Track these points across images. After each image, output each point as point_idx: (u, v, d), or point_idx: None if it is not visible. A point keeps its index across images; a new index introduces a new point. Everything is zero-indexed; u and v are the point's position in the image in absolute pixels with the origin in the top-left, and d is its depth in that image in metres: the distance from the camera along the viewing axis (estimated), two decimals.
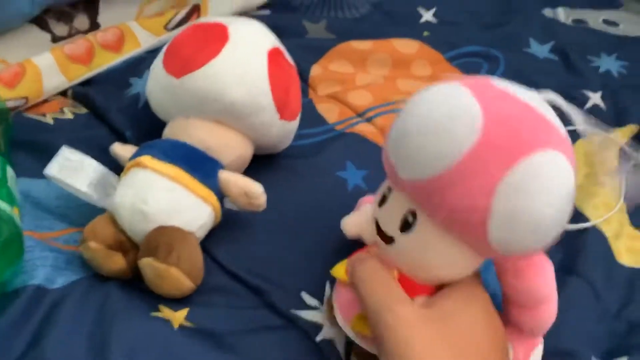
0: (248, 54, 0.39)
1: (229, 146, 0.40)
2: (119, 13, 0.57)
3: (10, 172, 0.36)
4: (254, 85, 0.38)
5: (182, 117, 0.40)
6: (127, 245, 0.36)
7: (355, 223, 0.36)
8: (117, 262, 0.35)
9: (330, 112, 0.53)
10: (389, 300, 0.29)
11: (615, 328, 0.38)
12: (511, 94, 0.28)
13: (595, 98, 0.58)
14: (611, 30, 0.69)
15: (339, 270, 0.34)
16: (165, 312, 0.34)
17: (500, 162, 0.25)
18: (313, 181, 0.45)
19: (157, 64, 0.41)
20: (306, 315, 0.36)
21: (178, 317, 0.34)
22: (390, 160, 0.29)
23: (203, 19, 0.43)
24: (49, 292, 0.34)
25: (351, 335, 0.33)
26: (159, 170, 0.36)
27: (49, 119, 0.48)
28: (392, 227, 0.30)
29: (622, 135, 0.53)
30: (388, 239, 0.30)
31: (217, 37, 0.39)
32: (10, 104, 0.47)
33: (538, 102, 0.28)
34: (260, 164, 0.44)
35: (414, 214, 0.29)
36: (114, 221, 0.36)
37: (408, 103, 0.29)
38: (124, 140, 0.46)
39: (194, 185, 0.36)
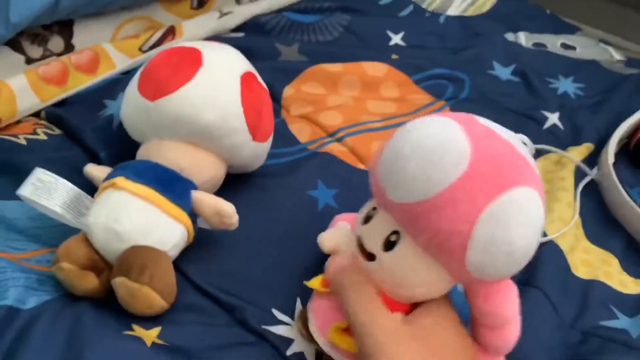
0: (221, 78, 0.40)
1: (202, 167, 0.41)
2: (93, 35, 0.58)
3: None
4: (226, 109, 0.40)
5: (156, 138, 0.41)
6: (100, 264, 0.36)
7: (331, 237, 0.37)
8: (90, 282, 0.35)
9: (302, 132, 0.55)
10: (376, 313, 0.31)
11: (570, 338, 0.40)
12: (495, 132, 0.30)
13: (553, 118, 0.61)
14: (569, 53, 0.73)
15: (315, 282, 0.35)
16: (138, 330, 0.35)
17: (484, 193, 0.28)
18: (285, 200, 0.46)
19: (132, 87, 0.42)
20: (277, 330, 0.37)
21: (150, 335, 0.34)
22: (379, 182, 0.31)
23: (177, 43, 0.44)
24: (21, 312, 0.34)
25: (324, 345, 0.34)
26: (132, 191, 0.37)
27: (22, 140, 0.48)
28: (374, 245, 0.31)
29: (577, 154, 0.56)
30: (370, 256, 0.32)
31: (191, 61, 0.40)
32: None
33: (516, 141, 0.31)
34: (233, 183, 0.45)
35: (397, 234, 0.31)
36: (87, 241, 0.37)
37: (400, 131, 0.31)
38: (99, 161, 0.47)
39: (166, 205, 0.37)
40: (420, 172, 0.28)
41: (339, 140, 0.54)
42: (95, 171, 0.42)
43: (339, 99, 0.59)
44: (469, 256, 0.28)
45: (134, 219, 0.36)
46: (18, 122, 0.51)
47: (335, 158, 0.51)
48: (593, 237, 0.48)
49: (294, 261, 0.42)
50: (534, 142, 0.56)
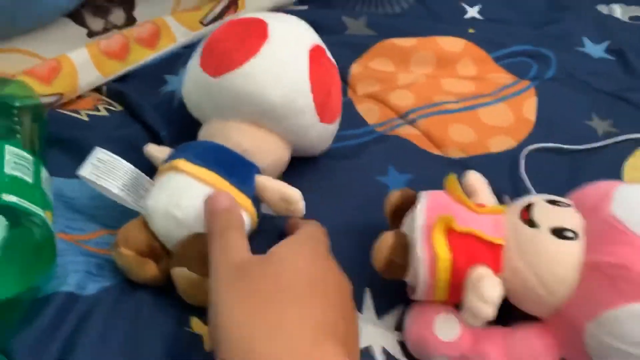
0: (288, 52, 0.37)
1: (266, 149, 0.38)
2: (155, 7, 0.56)
3: (44, 174, 0.35)
4: (294, 87, 0.37)
5: (219, 118, 0.38)
6: (159, 251, 0.34)
7: (481, 179, 0.38)
8: (149, 270, 0.34)
9: (370, 113, 0.51)
10: (217, 254, 0.28)
11: None
12: None
13: None
14: None
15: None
16: (197, 325, 0.33)
17: None
18: (352, 186, 0.43)
19: (194, 62, 0.39)
20: None
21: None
22: (611, 196, 0.32)
23: (241, 15, 0.41)
24: (81, 298, 0.32)
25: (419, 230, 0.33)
26: (194, 175, 0.34)
27: (83, 116, 0.47)
28: (546, 222, 0.31)
29: None
30: (531, 222, 0.32)
31: (256, 34, 0.37)
32: (45, 100, 0.46)
33: None
34: (298, 167, 0.42)
35: (574, 234, 0.31)
36: (146, 226, 0.35)
37: None
38: (159, 139, 0.45)
39: (229, 190, 0.35)
40: None
41: (412, 122, 0.49)
42: (155, 151, 0.39)
43: (411, 76, 0.55)
44: (615, 311, 0.28)
45: (195, 204, 0.34)
46: (79, 97, 0.50)
47: (408, 142, 0.47)
48: None
49: (363, 252, 0.38)
50: (634, 129, 0.51)
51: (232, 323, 0.25)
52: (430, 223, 0.32)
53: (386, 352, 0.34)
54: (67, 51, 0.49)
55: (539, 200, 0.33)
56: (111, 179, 0.36)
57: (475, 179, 0.37)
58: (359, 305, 0.36)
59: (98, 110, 0.49)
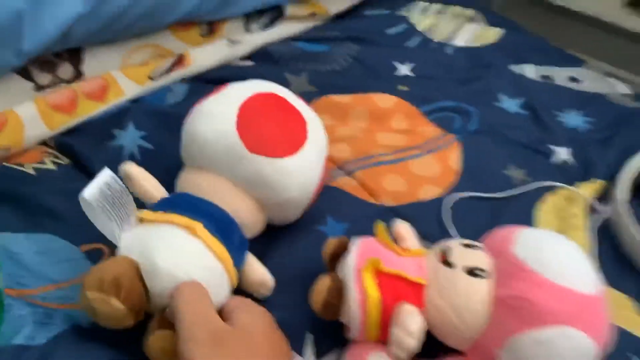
0: (316, 160, 0.42)
1: (256, 222, 0.41)
2: (102, 62, 0.58)
3: None
4: (308, 189, 0.42)
5: (215, 174, 0.40)
6: (146, 306, 0.34)
7: (407, 228, 0.42)
8: (127, 322, 0.33)
9: None
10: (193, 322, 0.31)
11: None
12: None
13: (562, 153, 0.61)
14: (576, 86, 0.74)
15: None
16: None
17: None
18: (294, 235, 0.46)
19: (224, 116, 0.40)
20: None
21: None
22: (513, 238, 0.37)
23: (282, 93, 0.43)
24: (31, 349, 0.33)
25: (350, 272, 0.36)
26: (211, 247, 0.35)
27: (29, 169, 0.48)
28: (460, 263, 0.36)
29: (588, 190, 0.56)
30: (447, 263, 0.36)
31: (298, 130, 0.41)
32: None
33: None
34: None
35: (483, 272, 0.35)
36: (139, 276, 0.33)
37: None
38: None
39: (231, 268, 0.37)
40: (564, 263, 0.34)
41: (349, 174, 0.53)
42: (142, 179, 0.39)
43: (348, 130, 0.59)
44: (520, 338, 0.33)
45: (204, 277, 0.34)
46: (26, 150, 0.51)
47: (345, 192, 0.51)
48: (609, 278, 0.47)
49: (306, 298, 0.41)
50: (544, 177, 0.57)
51: None
52: (361, 266, 0.36)
53: None
54: (14, 105, 0.50)
55: (455, 245, 0.38)
56: (113, 212, 0.34)
57: (402, 227, 0.42)
58: (300, 347, 0.38)
59: (45, 163, 0.49)
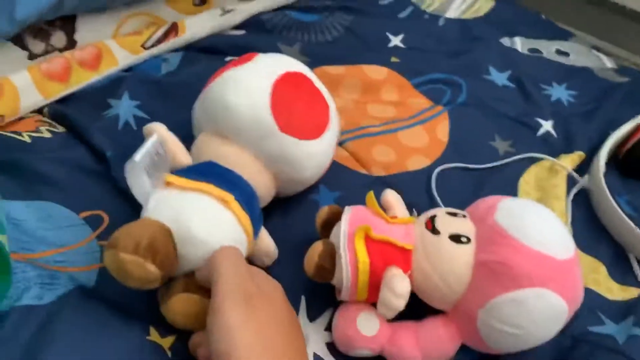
0: (333, 145, 0.46)
1: (267, 195, 0.43)
2: (96, 31, 0.58)
3: None
4: (321, 172, 0.46)
5: (240, 146, 0.41)
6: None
7: (396, 197, 0.44)
8: (152, 282, 0.33)
9: None
10: (228, 283, 0.32)
11: (561, 343, 0.42)
12: None
13: (547, 125, 0.62)
14: (562, 60, 0.75)
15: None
16: (154, 335, 0.36)
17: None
18: (288, 204, 0.47)
19: (259, 91, 0.40)
20: None
21: (165, 343, 0.36)
22: (495, 207, 0.39)
23: (309, 74, 0.45)
24: (38, 308, 0.34)
25: (342, 238, 0.38)
26: (241, 221, 0.37)
27: (25, 137, 0.49)
28: (445, 230, 0.38)
29: (569, 162, 0.58)
30: (434, 230, 0.38)
31: (323, 116, 0.44)
32: None
33: None
34: None
35: (468, 240, 0.37)
36: (172, 240, 0.34)
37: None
38: (105, 160, 0.47)
39: (251, 241, 0.39)
40: (542, 230, 0.36)
41: (341, 144, 0.55)
42: (172, 143, 0.40)
43: (340, 101, 0.60)
44: (497, 300, 0.35)
45: (227, 242, 0.35)
46: (20, 118, 0.51)
47: (337, 163, 0.52)
48: (582, 244, 0.50)
49: (299, 263, 0.43)
50: (528, 148, 0.59)
51: (243, 342, 0.30)
52: (352, 232, 0.38)
53: (316, 356, 0.39)
54: (8, 73, 0.50)
55: (440, 213, 0.40)
56: (154, 177, 0.35)
57: (391, 196, 0.43)
58: (295, 310, 0.40)
59: (40, 131, 0.50)
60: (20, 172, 0.44)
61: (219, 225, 0.36)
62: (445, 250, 0.37)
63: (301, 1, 0.74)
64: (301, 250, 0.42)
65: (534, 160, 0.58)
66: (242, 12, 0.68)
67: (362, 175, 0.52)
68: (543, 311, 0.35)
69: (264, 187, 0.42)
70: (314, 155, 0.43)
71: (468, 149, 0.58)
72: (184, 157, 0.40)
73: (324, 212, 0.42)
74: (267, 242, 0.42)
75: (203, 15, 0.65)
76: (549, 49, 0.77)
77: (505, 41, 0.75)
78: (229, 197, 0.37)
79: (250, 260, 0.42)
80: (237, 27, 0.68)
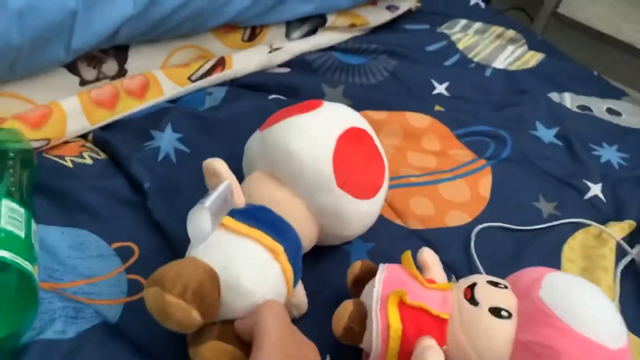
0: (382, 204, 0.46)
1: (309, 246, 0.43)
2: (146, 60, 0.59)
3: (34, 226, 0.37)
4: (365, 230, 0.46)
5: (294, 194, 0.41)
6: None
7: (433, 256, 0.42)
8: (194, 325, 0.32)
9: None
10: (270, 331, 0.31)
11: None
12: None
13: (595, 189, 0.60)
14: (614, 119, 0.72)
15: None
16: None
17: None
18: (319, 253, 0.46)
19: (326, 143, 0.40)
20: None
21: None
22: (541, 282, 0.36)
23: (370, 130, 0.45)
24: (61, 343, 0.34)
25: (375, 302, 0.36)
26: (285, 273, 0.36)
27: (68, 162, 0.49)
28: (485, 301, 0.35)
29: (619, 230, 0.55)
30: (472, 302, 0.36)
31: (379, 176, 0.43)
32: (32, 145, 0.48)
33: None
34: None
35: (509, 314, 0.35)
36: (218, 286, 0.33)
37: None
38: (141, 191, 0.47)
39: (290, 294, 0.38)
40: (592, 315, 0.33)
41: None
42: (235, 188, 0.38)
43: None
44: None
45: (270, 294, 0.35)
46: (65, 142, 0.52)
47: None
48: (631, 323, 0.47)
49: (327, 319, 0.41)
50: (574, 212, 0.56)
51: None
52: (385, 295, 0.36)
53: None
54: (59, 98, 0.52)
55: (481, 281, 0.38)
56: (215, 219, 0.35)
57: (428, 256, 0.41)
58: None
59: (82, 157, 0.51)
60: (60, 197, 0.45)
61: (266, 277, 0.35)
62: (484, 324, 0.35)
63: (347, 42, 0.74)
64: (329, 303, 0.40)
65: (580, 226, 0.55)
66: (289, 51, 0.68)
67: (397, 227, 0.51)
68: None
69: (308, 238, 0.41)
70: (365, 214, 0.43)
71: (510, 207, 0.55)
72: (239, 199, 0.39)
73: (356, 267, 0.41)
74: (300, 295, 0.41)
75: (250, 51, 0.66)
76: (599, 107, 0.74)
77: (554, 96, 0.73)
78: (279, 248, 0.36)
79: None
80: (282, 65, 0.68)
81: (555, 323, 0.33)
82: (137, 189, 0.48)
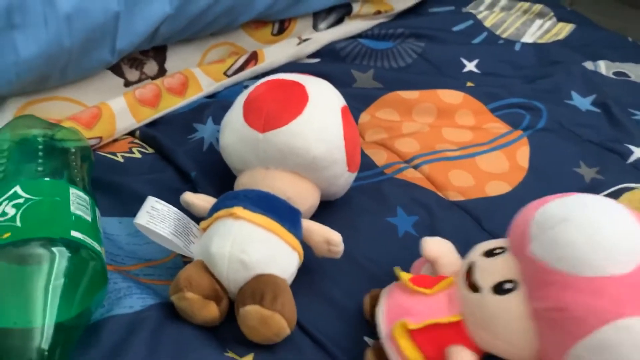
0: (327, 113, 0.43)
1: (304, 196, 0.42)
2: (183, 59, 0.62)
3: (97, 212, 0.40)
4: (332, 142, 0.42)
5: (261, 167, 0.42)
6: (221, 293, 0.37)
7: (437, 247, 0.37)
8: (211, 311, 0.36)
9: (378, 156, 0.55)
10: None
11: None
12: None
13: (638, 152, 0.59)
14: None
15: (404, 275, 0.35)
16: (232, 354, 0.36)
17: (633, 304, 0.28)
18: (365, 227, 0.47)
19: (234, 117, 0.43)
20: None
21: None
22: (528, 231, 0.31)
23: (276, 76, 0.46)
24: (129, 316, 0.36)
25: (385, 340, 0.34)
26: (254, 221, 0.38)
27: (119, 158, 0.52)
28: (485, 281, 0.32)
29: None
30: (474, 288, 0.32)
31: (298, 95, 0.42)
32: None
33: None
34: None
35: (513, 284, 0.31)
36: (207, 270, 0.37)
37: (577, 200, 0.32)
38: (190, 180, 0.50)
39: (285, 235, 0.38)
40: (586, 250, 0.29)
41: (416, 167, 0.54)
42: (196, 200, 0.42)
43: (414, 125, 0.60)
44: (576, 350, 0.28)
45: (260, 249, 0.37)
46: (115, 140, 0.55)
47: (414, 184, 0.52)
48: None
49: (378, 287, 0.42)
50: (618, 176, 0.55)
51: None
52: (391, 332, 0.34)
53: None
54: (107, 99, 0.55)
55: (477, 257, 0.34)
56: (165, 227, 0.38)
57: (432, 247, 0.37)
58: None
59: (132, 152, 0.54)
60: (115, 190, 0.48)
61: (233, 235, 0.37)
62: (492, 311, 0.31)
63: (373, 29, 0.75)
64: (376, 278, 0.42)
65: (623, 190, 0.54)
66: (318, 41, 0.70)
67: (439, 199, 0.51)
68: (635, 342, 0.28)
69: (295, 192, 0.42)
70: (304, 132, 0.41)
71: (551, 175, 0.55)
72: (209, 205, 0.41)
73: (366, 302, 0.39)
74: (321, 231, 0.40)
75: (281, 44, 0.68)
76: (637, 72, 0.73)
77: (588, 65, 0.72)
78: (235, 209, 0.38)
79: (322, 260, 0.41)
80: (312, 56, 0.70)
81: (554, 278, 0.29)
82: (185, 179, 0.50)
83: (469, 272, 0.33)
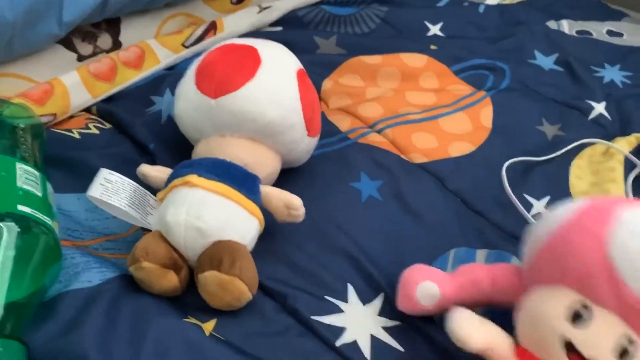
0: (281, 76, 0.42)
1: (263, 162, 0.42)
2: (139, 31, 0.60)
3: (49, 188, 0.39)
4: (288, 106, 0.41)
5: (216, 135, 0.41)
6: (179, 262, 0.36)
7: (481, 335, 0.31)
8: (170, 280, 0.36)
9: (341, 122, 0.55)
10: None
11: None
12: None
13: (599, 108, 0.59)
14: (615, 40, 0.71)
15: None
16: (193, 320, 0.36)
17: None
18: (329, 192, 0.47)
19: (187, 84, 0.42)
20: (327, 320, 0.37)
21: (207, 328, 0.36)
22: (616, 274, 0.27)
23: (220, 39, 0.45)
24: (87, 290, 0.35)
25: None
26: (209, 188, 0.37)
27: (75, 134, 0.51)
28: (601, 353, 0.28)
29: (626, 144, 0.54)
30: None
31: (250, 59, 0.41)
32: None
33: None
34: (281, 175, 0.46)
35: (631, 341, 0.28)
36: (164, 239, 0.37)
37: None
38: (148, 153, 0.48)
39: (242, 200, 0.38)
40: None
41: (379, 131, 0.54)
42: (152, 171, 0.41)
43: (378, 90, 0.60)
44: None
45: (216, 215, 0.37)
46: (71, 117, 0.54)
47: (377, 148, 0.52)
48: None
49: (342, 251, 0.42)
50: (579, 132, 0.56)
51: None
52: None
53: (374, 338, 0.37)
54: (59, 75, 0.53)
55: (564, 330, 0.29)
56: (120, 198, 0.38)
57: (477, 336, 0.31)
58: (343, 296, 0.39)
59: (89, 128, 0.52)
60: (72, 167, 0.46)
61: (188, 202, 0.37)
62: None
63: None
64: (340, 241, 0.42)
65: (586, 145, 0.55)
66: (279, 9, 0.68)
67: (403, 161, 0.51)
68: None
69: (251, 157, 0.41)
70: (257, 95, 0.40)
71: (514, 133, 0.55)
72: (166, 176, 0.41)
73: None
74: (280, 195, 0.40)
75: (241, 12, 0.66)
76: (599, 30, 0.73)
77: (552, 24, 0.72)
78: (189, 177, 0.38)
79: (282, 225, 0.41)
80: (274, 24, 0.68)
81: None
82: (143, 151, 0.49)
83: (571, 348, 0.29)
